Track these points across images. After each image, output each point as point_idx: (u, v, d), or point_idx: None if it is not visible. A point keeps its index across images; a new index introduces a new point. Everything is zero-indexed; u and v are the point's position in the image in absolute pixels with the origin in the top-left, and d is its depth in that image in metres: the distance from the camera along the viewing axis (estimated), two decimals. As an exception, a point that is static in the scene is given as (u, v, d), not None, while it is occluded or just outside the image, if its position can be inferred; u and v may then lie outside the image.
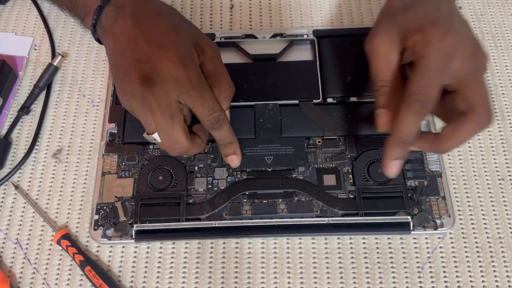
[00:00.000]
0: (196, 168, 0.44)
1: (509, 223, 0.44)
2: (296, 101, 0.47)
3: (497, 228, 0.43)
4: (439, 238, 0.43)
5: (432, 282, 0.41)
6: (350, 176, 0.44)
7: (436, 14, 0.38)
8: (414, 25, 0.38)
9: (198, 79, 0.38)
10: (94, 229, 0.42)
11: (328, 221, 0.42)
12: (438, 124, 0.47)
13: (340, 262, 0.42)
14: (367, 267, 0.42)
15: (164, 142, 0.39)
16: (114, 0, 0.40)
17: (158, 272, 0.42)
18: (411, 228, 0.41)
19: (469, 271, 0.42)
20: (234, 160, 0.42)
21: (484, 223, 0.43)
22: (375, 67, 0.39)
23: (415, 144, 0.38)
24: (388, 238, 0.43)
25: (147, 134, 0.40)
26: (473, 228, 0.43)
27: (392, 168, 0.37)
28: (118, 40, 0.39)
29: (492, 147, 0.47)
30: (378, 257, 0.42)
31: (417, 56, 0.37)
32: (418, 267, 0.42)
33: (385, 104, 0.38)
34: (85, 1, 0.41)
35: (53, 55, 0.52)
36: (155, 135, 0.39)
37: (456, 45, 0.37)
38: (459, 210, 0.44)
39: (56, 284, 0.42)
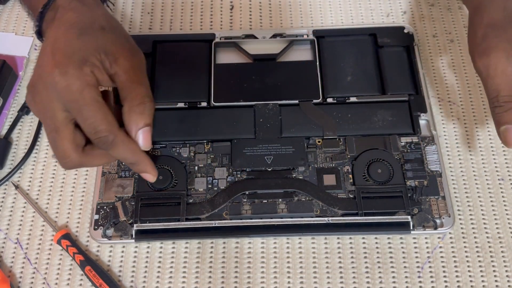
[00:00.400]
0: (196, 168, 0.44)
1: (508, 223, 0.44)
2: (296, 101, 0.47)
3: (497, 228, 0.43)
4: (439, 238, 0.43)
5: (432, 282, 0.41)
6: (350, 176, 0.44)
7: None
8: None
9: (80, 90, 0.35)
10: (94, 229, 0.42)
11: (328, 221, 0.42)
12: (438, 124, 0.47)
13: (340, 262, 0.42)
14: (367, 267, 0.42)
15: (56, 156, 0.37)
16: (53, 5, 0.39)
17: (158, 272, 0.42)
18: (411, 228, 0.41)
19: (469, 271, 0.42)
20: (148, 178, 0.40)
21: (484, 223, 0.43)
22: (495, 84, 0.39)
23: None
24: (388, 238, 0.43)
25: None
26: (472, 228, 0.43)
27: (510, 135, 0.38)
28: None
29: (492, 147, 0.47)
30: (378, 257, 0.42)
31: None
32: (418, 267, 0.42)
33: (509, 120, 0.38)
34: (35, 7, 0.40)
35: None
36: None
37: None
38: (459, 210, 0.44)
39: (56, 284, 0.42)
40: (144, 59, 0.40)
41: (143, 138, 0.37)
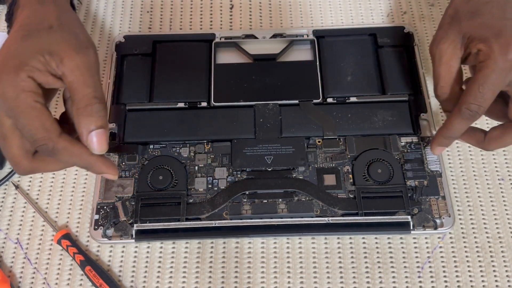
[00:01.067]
0: (196, 168, 0.44)
1: (508, 223, 0.44)
2: (296, 101, 0.47)
3: (497, 228, 0.43)
4: (439, 238, 0.43)
5: (432, 282, 0.41)
6: (350, 176, 0.44)
7: (502, 22, 0.38)
8: (479, 34, 0.38)
9: (14, 98, 0.33)
10: (95, 229, 0.42)
11: (328, 220, 0.42)
12: (438, 124, 0.47)
13: (340, 262, 0.42)
14: (367, 267, 0.42)
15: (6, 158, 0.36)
16: (17, 3, 0.38)
17: (158, 272, 0.42)
18: (411, 228, 0.41)
19: (469, 271, 0.42)
20: (108, 177, 0.38)
21: (484, 223, 0.43)
22: (437, 72, 0.41)
23: (463, 139, 0.42)
24: (388, 238, 0.43)
25: None
26: (473, 228, 0.43)
27: (436, 151, 0.43)
28: None
29: (492, 147, 0.47)
30: (378, 257, 0.42)
31: (479, 67, 0.38)
32: (418, 267, 0.42)
33: (447, 109, 0.41)
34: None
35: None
36: None
37: None
38: (459, 210, 0.44)
39: (56, 284, 0.42)
40: (96, 56, 0.37)
41: (95, 141, 0.35)
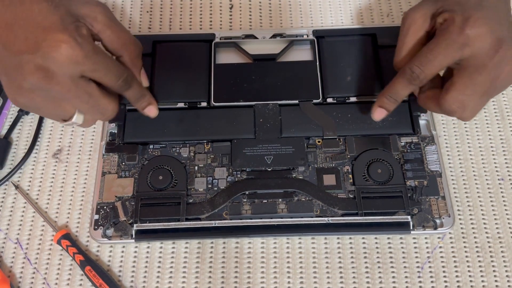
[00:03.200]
0: (196, 168, 0.44)
1: (508, 223, 0.44)
2: (296, 101, 0.47)
3: (497, 228, 0.43)
4: (438, 238, 0.43)
5: (431, 282, 0.41)
6: (350, 176, 0.44)
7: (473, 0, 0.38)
8: (449, 6, 0.38)
9: (95, 52, 0.36)
10: (94, 229, 0.42)
11: (328, 221, 0.42)
12: (438, 124, 0.47)
13: (340, 262, 0.42)
14: (366, 267, 0.42)
15: (95, 118, 0.40)
16: None
17: (158, 272, 0.42)
18: (411, 228, 0.41)
19: (468, 271, 0.42)
20: (152, 110, 0.44)
21: (484, 223, 0.44)
22: (401, 42, 0.41)
23: (422, 103, 0.42)
24: (388, 238, 0.43)
25: (64, 121, 0.39)
26: (472, 228, 0.43)
27: (376, 113, 0.43)
28: None
29: (491, 147, 0.47)
30: (377, 257, 0.42)
31: (436, 34, 0.38)
32: (417, 267, 0.42)
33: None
34: None
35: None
36: (74, 118, 0.38)
37: (477, 35, 0.36)
38: (458, 210, 0.44)
39: (56, 284, 0.42)
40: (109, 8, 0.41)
41: (145, 78, 0.44)
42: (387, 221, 0.42)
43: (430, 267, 0.42)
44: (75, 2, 0.38)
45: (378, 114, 0.43)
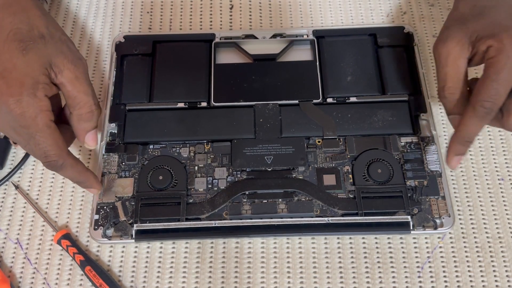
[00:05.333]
0: (196, 168, 0.44)
1: (508, 223, 0.44)
2: (296, 101, 0.47)
3: (497, 228, 0.43)
4: (438, 238, 0.43)
5: (431, 282, 0.41)
6: (350, 176, 0.44)
7: (510, 21, 0.38)
8: (488, 31, 0.38)
9: (34, 117, 0.36)
10: (94, 229, 0.42)
11: (328, 220, 0.42)
12: (438, 124, 0.47)
13: (340, 262, 0.42)
14: (367, 267, 0.42)
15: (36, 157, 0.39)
16: None
17: (158, 272, 0.42)
18: (411, 227, 0.41)
19: (468, 271, 0.42)
20: (93, 192, 0.43)
21: (484, 223, 0.43)
22: (444, 73, 0.40)
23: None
24: (388, 238, 0.43)
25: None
26: (472, 228, 0.43)
27: (453, 162, 0.40)
28: None
29: (491, 147, 0.47)
30: (378, 257, 0.42)
31: (489, 62, 0.37)
32: (417, 266, 0.42)
33: (455, 111, 0.40)
34: None
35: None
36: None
37: None
38: (458, 210, 0.44)
39: (56, 284, 0.42)
40: (87, 65, 0.40)
41: (91, 140, 0.40)
42: (387, 221, 0.42)
43: (430, 267, 0.42)
44: (56, 48, 0.38)
45: (455, 162, 0.41)
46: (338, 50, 0.50)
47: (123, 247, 0.43)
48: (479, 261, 0.42)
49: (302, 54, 0.50)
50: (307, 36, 0.51)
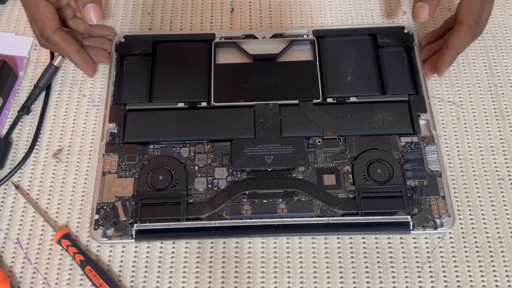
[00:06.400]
0: (196, 168, 0.44)
1: (508, 223, 0.44)
2: (296, 101, 0.47)
3: (497, 228, 0.43)
4: (438, 238, 0.43)
5: (431, 282, 0.41)
6: (350, 176, 0.44)
7: None
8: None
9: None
10: (95, 229, 0.42)
11: (328, 220, 0.42)
12: (438, 124, 0.47)
13: (340, 262, 0.42)
14: (367, 267, 0.42)
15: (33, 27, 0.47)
16: None
17: (158, 271, 0.42)
18: (411, 227, 0.41)
19: (468, 270, 0.42)
20: (85, 72, 0.48)
21: (484, 223, 0.44)
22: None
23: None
24: (388, 238, 0.43)
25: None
26: (472, 228, 0.43)
27: (442, 68, 0.46)
28: None
29: (491, 147, 0.47)
30: (378, 257, 0.42)
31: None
32: (417, 266, 0.42)
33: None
34: None
35: (53, 55, 0.52)
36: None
37: None
38: (458, 210, 0.44)
39: (56, 283, 0.42)
40: None
41: (90, 12, 0.44)
42: (387, 221, 0.42)
43: (430, 267, 0.42)
44: None
45: (443, 69, 0.46)
46: (338, 50, 0.50)
47: (123, 247, 0.43)
48: (479, 261, 0.42)
49: (302, 54, 0.50)
50: (307, 36, 0.51)
